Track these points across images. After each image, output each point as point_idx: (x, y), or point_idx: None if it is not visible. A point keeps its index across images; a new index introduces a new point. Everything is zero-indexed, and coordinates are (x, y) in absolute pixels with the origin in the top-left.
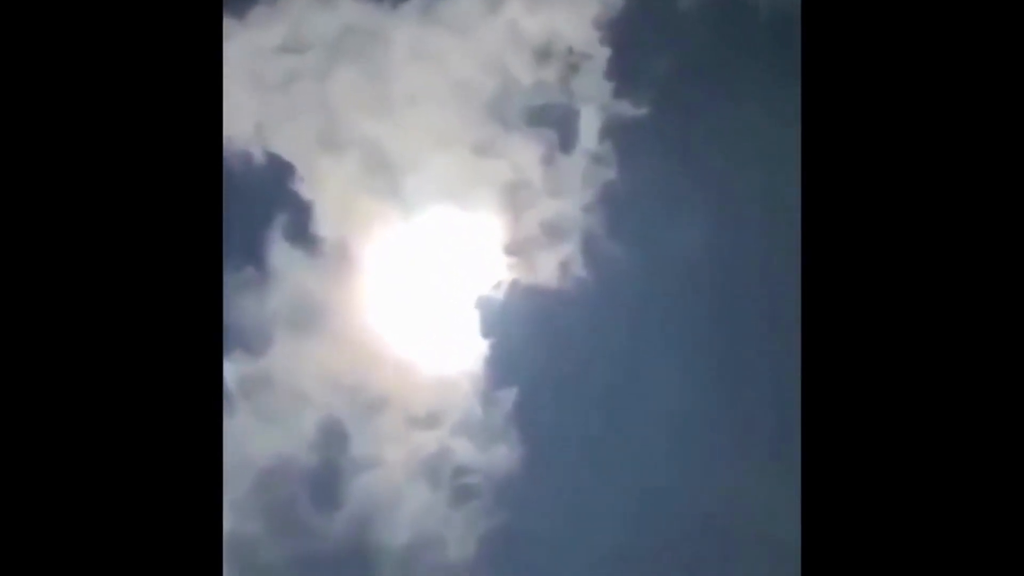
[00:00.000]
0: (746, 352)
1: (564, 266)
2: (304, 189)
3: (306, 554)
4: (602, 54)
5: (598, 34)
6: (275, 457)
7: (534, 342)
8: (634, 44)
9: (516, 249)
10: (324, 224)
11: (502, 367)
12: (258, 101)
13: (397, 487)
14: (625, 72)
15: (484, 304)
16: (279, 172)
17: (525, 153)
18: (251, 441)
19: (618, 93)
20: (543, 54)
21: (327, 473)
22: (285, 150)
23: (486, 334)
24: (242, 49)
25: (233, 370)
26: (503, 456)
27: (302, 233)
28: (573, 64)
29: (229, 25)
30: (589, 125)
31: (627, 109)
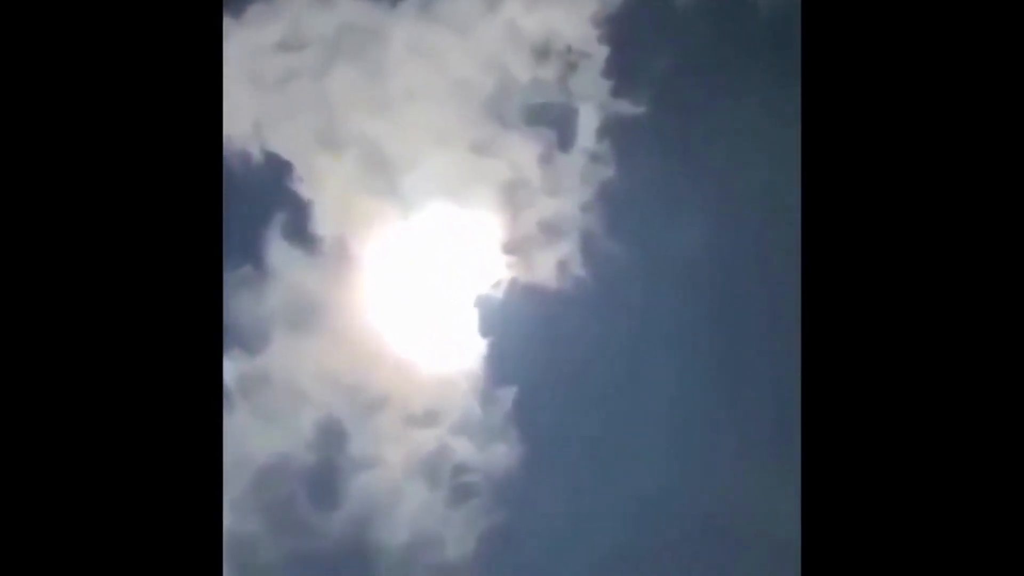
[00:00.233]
0: (745, 351)
1: (562, 265)
2: (302, 188)
3: (305, 553)
4: (600, 52)
5: (596, 32)
6: (274, 456)
7: (533, 341)
8: (632, 42)
9: (514, 248)
10: (322, 223)
11: (501, 366)
12: (256, 100)
13: (396, 486)
14: (623, 70)
15: (483, 303)
16: (277, 171)
17: (523, 152)
18: (250, 440)
19: (616, 92)
20: (541, 52)
21: (326, 472)
22: (283, 149)
23: (485, 333)
24: (240, 48)
25: (232, 369)
26: (502, 455)
27: (300, 232)
28: (571, 63)
29: (227, 24)
30: (587, 124)
31: (625, 107)
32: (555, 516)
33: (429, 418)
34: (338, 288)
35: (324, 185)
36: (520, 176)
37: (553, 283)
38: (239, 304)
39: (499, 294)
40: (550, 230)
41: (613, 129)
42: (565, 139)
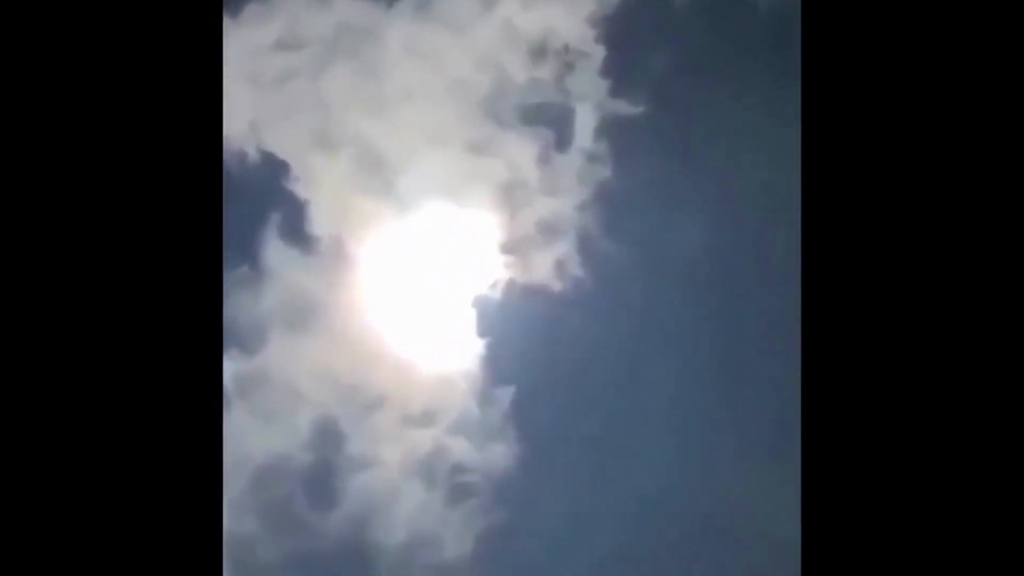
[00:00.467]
0: (745, 351)
1: (560, 265)
2: (299, 187)
3: (303, 553)
4: (598, 52)
5: (593, 32)
6: (271, 456)
7: (530, 341)
8: (630, 42)
9: (512, 248)
10: (319, 222)
11: (499, 366)
12: (253, 99)
13: (394, 486)
14: (620, 70)
15: (480, 303)
16: (274, 170)
17: (521, 152)
18: (247, 440)
19: (613, 91)
20: (538, 52)
21: (323, 472)
22: (280, 148)
23: (482, 333)
24: (237, 47)
25: (229, 369)
26: (500, 455)
27: (297, 232)
28: (569, 62)
29: (224, 23)
30: (584, 123)
31: (622, 107)
32: (553, 516)
33: (427, 418)
34: (335, 288)
35: (321, 185)
36: (517, 176)
37: (551, 283)
38: (236, 304)
39: (497, 294)
40: (547, 230)
41: (611, 129)
42: (562, 139)
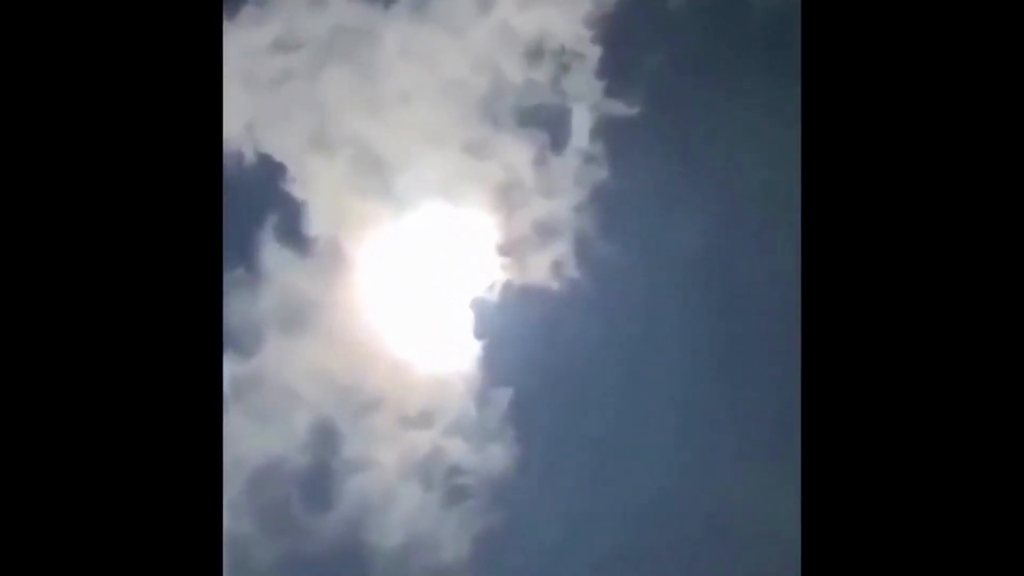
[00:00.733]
0: (743, 352)
1: (557, 266)
2: (295, 189)
3: (299, 554)
4: (594, 53)
5: (589, 33)
6: (268, 457)
7: (528, 342)
8: (626, 43)
9: (509, 249)
10: (316, 224)
11: (496, 367)
12: (249, 101)
13: (390, 487)
14: (616, 71)
15: (477, 304)
16: (270, 172)
17: (517, 153)
18: (243, 441)
19: (610, 92)
20: (534, 53)
21: (320, 473)
22: (276, 150)
23: (480, 334)
24: (233, 49)
25: (225, 370)
26: (497, 456)
27: (294, 233)
28: (564, 63)
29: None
30: (581, 124)
31: (619, 108)
32: (551, 518)
33: (424, 420)
34: (331, 289)
35: (317, 186)
36: (514, 177)
37: (548, 284)
38: (232, 306)
39: (494, 295)
40: (544, 231)
41: (607, 130)
42: (558, 140)
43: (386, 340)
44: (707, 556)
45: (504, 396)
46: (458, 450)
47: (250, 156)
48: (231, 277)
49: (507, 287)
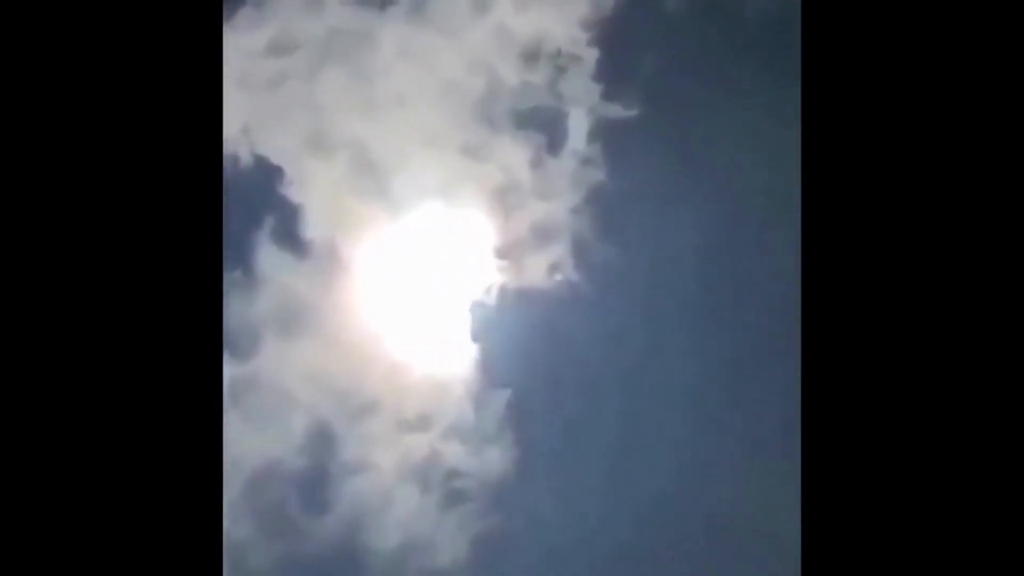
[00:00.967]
0: (742, 352)
1: (554, 268)
2: (292, 191)
3: (296, 558)
4: (591, 55)
5: (586, 35)
6: (264, 460)
7: (525, 345)
8: (623, 45)
9: (506, 252)
10: (313, 226)
11: (493, 370)
12: (246, 103)
13: (387, 490)
14: (613, 73)
15: (475, 306)
16: (267, 174)
17: (514, 155)
18: (240, 444)
19: (606, 95)
20: (531, 55)
21: (317, 476)
22: (273, 152)
23: (477, 337)
24: (230, 51)
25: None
26: (495, 459)
27: (291, 235)
28: (561, 66)
29: None
30: (578, 127)
31: (616, 111)
32: (548, 521)
33: (421, 422)
34: (329, 292)
35: (314, 188)
36: (511, 179)
37: (545, 287)
38: (229, 308)
39: (491, 298)
40: (541, 234)
41: (604, 132)
42: (555, 142)
43: (383, 342)
44: (707, 557)
45: (502, 399)
46: (456, 453)
47: (246, 158)
48: (228, 279)
49: (504, 289)
